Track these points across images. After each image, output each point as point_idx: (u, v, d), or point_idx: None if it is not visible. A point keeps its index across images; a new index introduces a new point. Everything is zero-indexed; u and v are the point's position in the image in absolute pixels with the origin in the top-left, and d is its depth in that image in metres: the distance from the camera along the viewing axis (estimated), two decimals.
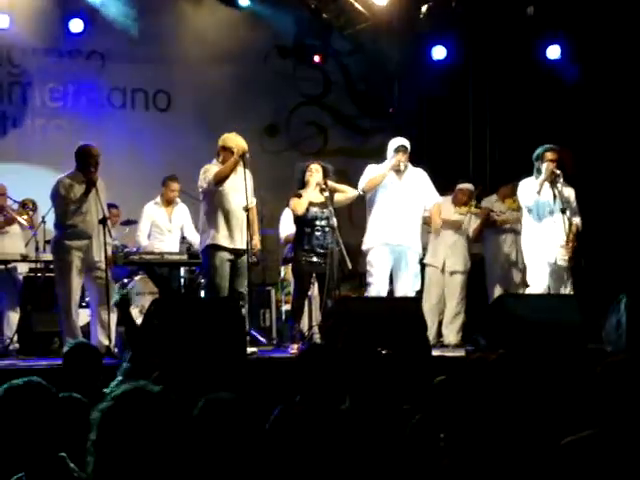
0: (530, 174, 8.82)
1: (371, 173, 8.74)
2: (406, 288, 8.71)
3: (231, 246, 8.16)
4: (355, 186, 8.73)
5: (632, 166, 10.97)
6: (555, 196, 8.60)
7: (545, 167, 8.57)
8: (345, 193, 8.59)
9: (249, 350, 7.96)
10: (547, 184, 8.57)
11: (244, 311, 8.13)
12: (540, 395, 3.99)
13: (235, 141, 8.21)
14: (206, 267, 8.32)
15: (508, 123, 12.14)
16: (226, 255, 8.16)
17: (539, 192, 8.54)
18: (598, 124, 11.26)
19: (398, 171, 8.71)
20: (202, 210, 8.33)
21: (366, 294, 8.83)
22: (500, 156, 12.19)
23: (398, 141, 8.78)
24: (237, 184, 8.17)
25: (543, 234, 8.64)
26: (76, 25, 11.22)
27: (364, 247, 8.82)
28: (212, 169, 8.19)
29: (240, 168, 8.14)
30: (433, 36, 12.04)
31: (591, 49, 11.28)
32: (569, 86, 11.37)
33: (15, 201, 9.38)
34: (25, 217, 9.29)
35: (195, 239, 9.95)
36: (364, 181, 8.72)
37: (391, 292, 8.79)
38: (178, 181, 10.07)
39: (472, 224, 10.16)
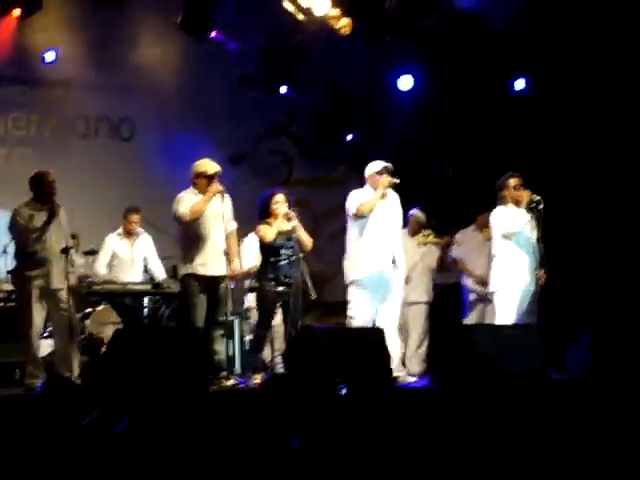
0: (492, 204, 8.93)
1: (361, 197, 8.61)
2: (394, 312, 8.60)
3: (208, 274, 8.12)
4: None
5: (596, 192, 11.10)
6: (532, 223, 8.70)
7: (523, 194, 8.68)
8: (305, 245, 8.51)
9: (230, 382, 7.95)
10: (523, 211, 8.66)
11: (223, 340, 8.13)
12: (497, 427, 4.00)
13: (206, 167, 8.22)
14: (182, 296, 8.28)
15: (470, 155, 12.22)
16: (203, 284, 8.11)
17: (524, 218, 8.65)
18: (559, 149, 11.40)
19: (383, 194, 8.63)
20: (178, 238, 8.31)
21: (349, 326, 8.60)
22: (462, 186, 12.26)
23: (379, 164, 8.66)
24: (212, 211, 8.15)
25: (518, 260, 8.71)
26: (49, 55, 11.20)
27: (353, 276, 8.58)
28: (186, 199, 8.15)
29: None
30: (398, 66, 12.12)
31: (556, 79, 11.42)
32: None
33: None
34: None
35: (158, 271, 9.92)
36: (356, 206, 8.55)
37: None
38: (139, 212, 10.04)
39: (434, 254, 10.17)
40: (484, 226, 10.13)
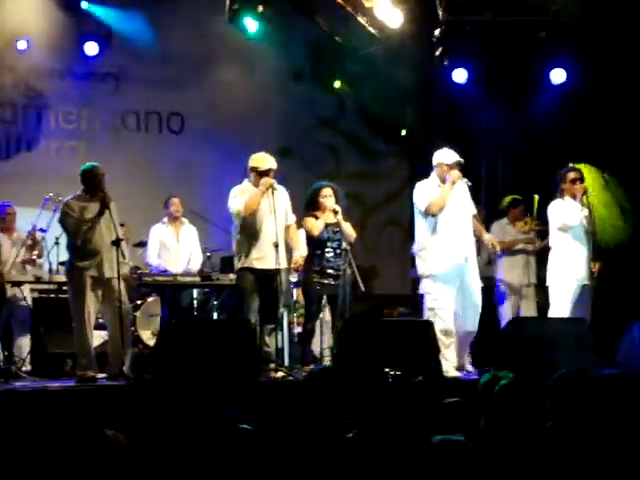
0: (544, 196, 8.88)
1: (430, 193, 8.37)
2: (475, 298, 8.44)
3: (263, 267, 8.17)
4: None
5: None
6: (587, 216, 8.65)
7: (578, 187, 8.65)
8: (349, 237, 8.51)
9: (280, 374, 7.98)
10: (579, 204, 8.63)
11: (273, 332, 8.19)
12: (549, 419, 3.97)
13: (259, 162, 8.23)
14: (236, 290, 8.34)
15: (520, 146, 12.15)
16: (258, 277, 8.17)
17: (581, 211, 8.59)
18: (610, 142, 11.29)
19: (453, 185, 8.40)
20: (233, 232, 8.35)
21: (435, 319, 8.31)
22: (512, 179, 12.19)
23: (452, 156, 8.42)
24: (267, 205, 8.20)
25: (575, 253, 8.66)
26: (91, 48, 11.35)
27: (428, 271, 8.39)
28: (240, 194, 8.19)
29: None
30: (448, 58, 12.07)
31: (600, 70, 11.31)
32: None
33: (29, 232, 9.37)
34: (36, 252, 9.31)
35: (196, 261, 9.96)
36: (426, 202, 8.31)
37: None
38: (179, 198, 10.09)
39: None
40: (517, 219, 10.15)
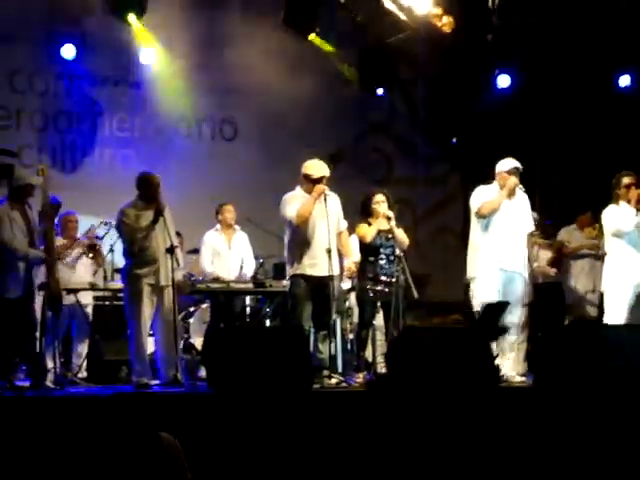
0: (600, 203, 8.81)
1: (486, 196, 8.47)
2: (515, 311, 8.40)
3: (315, 274, 8.18)
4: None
5: None
6: None
7: (632, 193, 8.55)
8: (402, 243, 8.50)
9: (333, 381, 7.98)
10: (635, 210, 8.54)
11: (326, 339, 8.18)
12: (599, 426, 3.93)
13: (313, 169, 8.24)
14: (289, 296, 8.36)
15: (575, 152, 12.05)
16: (311, 284, 8.17)
17: (635, 216, 8.51)
18: None
19: (510, 194, 8.52)
20: (286, 239, 8.37)
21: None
22: (566, 186, 12.10)
23: (511, 163, 8.51)
24: (319, 211, 8.20)
25: (630, 259, 8.58)
26: (145, 56, 11.44)
27: (473, 273, 8.47)
28: (292, 201, 8.21)
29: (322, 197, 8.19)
30: (499, 64, 12.02)
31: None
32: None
33: (87, 238, 9.46)
34: (91, 256, 9.39)
35: (249, 268, 9.96)
36: (479, 204, 8.41)
37: None
38: (232, 205, 10.10)
39: (541, 255, 10.15)
40: (585, 225, 10.13)
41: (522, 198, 8.58)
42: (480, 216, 8.41)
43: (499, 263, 8.34)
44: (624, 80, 11.63)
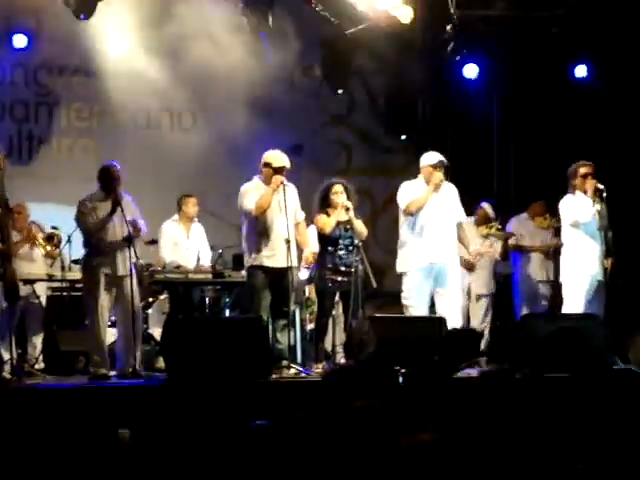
0: (557, 192, 8.87)
1: (412, 192, 8.62)
2: (453, 303, 8.61)
3: (273, 265, 8.16)
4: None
5: None
6: (599, 212, 8.61)
7: (588, 183, 8.58)
8: (360, 234, 8.51)
9: (292, 371, 7.98)
10: (591, 200, 8.58)
11: (285, 330, 8.19)
12: (561, 416, 3.96)
13: (273, 159, 8.25)
14: (247, 287, 8.34)
15: (532, 142, 12.12)
16: (269, 275, 8.16)
17: (592, 206, 8.57)
18: (624, 138, 11.24)
19: (436, 187, 8.64)
20: (244, 229, 8.36)
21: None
22: (524, 175, 12.17)
23: (436, 157, 8.65)
24: (278, 203, 8.19)
25: (587, 249, 8.65)
26: (111, 46, 11.31)
27: (402, 269, 8.66)
28: (250, 192, 8.20)
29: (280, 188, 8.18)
30: (458, 54, 12.05)
31: (618, 66, 11.26)
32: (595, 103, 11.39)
33: (42, 231, 9.42)
34: (49, 249, 9.35)
35: (205, 259, 9.94)
36: (407, 201, 8.59)
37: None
38: (195, 198, 10.08)
39: (496, 246, 10.21)
40: (537, 214, 10.18)
41: (449, 188, 8.74)
42: (408, 213, 8.58)
43: (428, 258, 8.47)
44: (580, 70, 11.69)
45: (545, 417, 3.93)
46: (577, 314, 8.45)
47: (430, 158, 8.67)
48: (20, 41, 11.07)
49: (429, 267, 8.52)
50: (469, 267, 9.71)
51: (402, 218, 8.70)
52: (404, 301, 8.62)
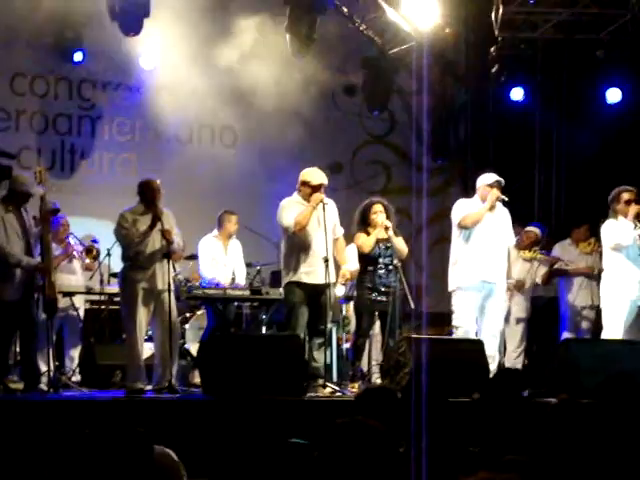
0: (599, 217, 8.80)
1: (468, 209, 8.53)
2: (496, 325, 8.53)
3: (311, 282, 8.16)
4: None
5: None
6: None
7: (632, 208, 8.53)
8: (401, 253, 8.50)
9: (328, 390, 7.94)
10: (633, 225, 8.53)
11: (322, 348, 8.15)
12: (600, 446, 3.89)
13: (311, 176, 8.23)
14: (285, 304, 8.34)
15: (574, 167, 12.06)
16: (306, 292, 8.15)
17: (634, 230, 8.50)
18: None
19: (492, 207, 8.59)
20: (282, 246, 8.35)
21: (454, 335, 8.54)
22: (566, 199, 12.10)
23: (493, 177, 8.58)
24: (317, 219, 8.19)
25: (628, 274, 8.55)
26: (146, 61, 11.43)
27: (454, 285, 8.52)
28: (289, 208, 8.18)
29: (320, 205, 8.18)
30: (501, 76, 12.02)
31: None
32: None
33: (82, 243, 9.50)
34: (87, 261, 9.42)
35: (241, 276, 9.93)
36: (461, 217, 8.48)
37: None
38: (237, 215, 10.08)
39: (539, 270, 10.15)
40: (580, 240, 10.11)
41: (503, 212, 8.66)
42: (463, 227, 8.48)
43: (480, 275, 8.39)
44: (614, 95, 11.63)
45: (577, 444, 3.87)
46: (617, 340, 8.36)
47: (487, 178, 8.63)
48: (76, 56, 11.20)
49: (481, 285, 8.42)
50: (518, 288, 9.71)
51: (456, 233, 8.58)
52: (454, 321, 8.48)
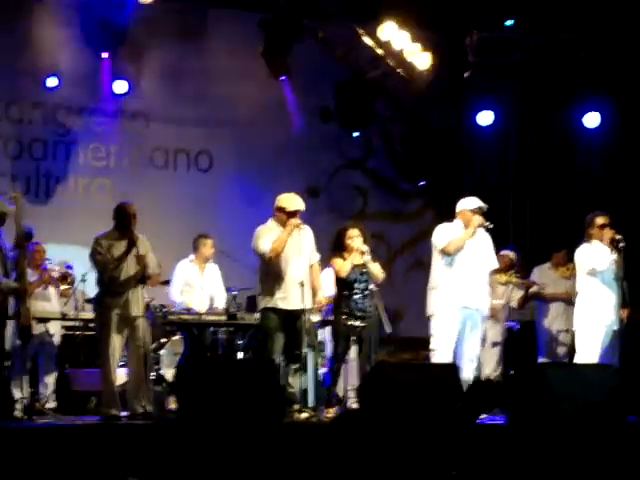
0: (573, 241, 8.84)
1: (450, 234, 8.44)
2: (473, 350, 8.47)
3: (287, 308, 8.14)
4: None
5: None
6: (616, 261, 8.55)
7: (606, 233, 8.57)
8: (377, 278, 8.51)
9: (304, 416, 7.93)
10: (608, 249, 8.56)
11: (298, 373, 8.18)
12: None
13: (287, 203, 8.23)
14: (261, 329, 8.32)
15: (548, 191, 12.13)
16: (282, 317, 8.13)
17: (609, 256, 8.53)
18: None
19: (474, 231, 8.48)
20: (258, 271, 8.34)
21: (431, 360, 8.46)
22: (540, 223, 12.16)
23: (475, 202, 8.51)
24: (291, 245, 8.19)
25: (603, 299, 8.57)
26: (121, 86, 11.47)
27: (433, 310, 8.43)
28: (265, 233, 8.18)
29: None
30: (475, 101, 12.11)
31: (632, 115, 11.30)
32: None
33: (57, 270, 9.46)
34: (62, 288, 9.38)
35: (219, 301, 9.90)
36: (444, 243, 8.37)
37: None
38: (212, 239, 10.05)
39: (514, 293, 10.20)
40: (559, 264, 10.16)
41: (484, 236, 8.60)
42: (446, 254, 8.40)
43: (461, 301, 8.35)
44: (592, 119, 11.74)
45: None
46: (592, 364, 8.37)
47: (469, 203, 8.54)
48: (50, 82, 11.19)
49: (462, 310, 8.37)
50: (492, 314, 9.71)
51: (437, 258, 8.49)
52: (432, 344, 8.40)
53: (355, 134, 12.48)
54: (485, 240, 8.63)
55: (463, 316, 8.37)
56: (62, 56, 11.10)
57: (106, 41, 10.85)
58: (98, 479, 3.83)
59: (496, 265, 8.81)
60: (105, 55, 11.12)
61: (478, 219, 8.44)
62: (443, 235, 8.48)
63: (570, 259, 9.92)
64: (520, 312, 10.41)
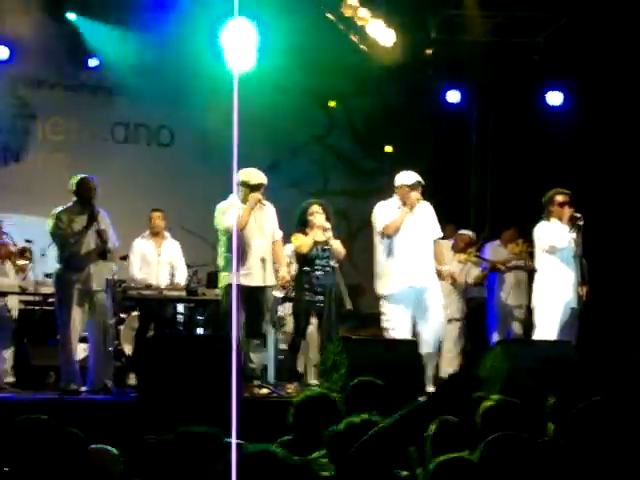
0: (529, 219, 8.87)
1: (388, 214, 8.44)
2: (434, 322, 8.46)
3: (250, 284, 8.12)
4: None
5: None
6: (575, 240, 8.60)
7: (565, 211, 8.60)
8: (338, 254, 8.51)
9: (264, 391, 7.93)
10: (567, 227, 8.59)
11: (258, 351, 8.19)
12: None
13: (249, 177, 8.20)
14: (222, 305, 8.30)
15: (510, 169, 12.17)
16: (244, 293, 8.10)
17: (568, 234, 8.56)
18: (602, 169, 11.30)
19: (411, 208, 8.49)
20: (220, 247, 8.30)
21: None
22: (501, 201, 12.21)
23: (412, 176, 8.46)
24: (255, 222, 8.17)
25: (562, 276, 8.63)
26: (80, 60, 11.35)
27: (383, 291, 8.47)
28: (228, 210, 8.14)
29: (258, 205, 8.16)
30: (436, 79, 12.12)
31: (594, 96, 11.35)
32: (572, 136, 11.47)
33: (14, 244, 9.36)
34: (20, 263, 9.29)
35: (180, 276, 9.85)
36: (383, 223, 8.39)
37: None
38: (161, 211, 9.94)
39: (472, 270, 10.24)
40: (508, 241, 10.21)
41: (424, 206, 8.55)
42: (386, 236, 8.41)
43: (407, 282, 8.36)
44: (555, 97, 11.80)
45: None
46: (550, 341, 8.44)
47: (406, 178, 8.50)
48: (2, 53, 11.02)
49: (409, 290, 8.38)
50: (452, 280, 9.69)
51: (378, 240, 8.52)
52: (384, 324, 8.46)
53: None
54: (426, 211, 8.58)
55: (412, 295, 8.37)
56: (22, 26, 10.95)
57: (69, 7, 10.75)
58: (57, 454, 3.80)
59: (440, 234, 8.72)
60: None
61: (415, 195, 8.40)
62: (381, 216, 8.46)
63: (520, 235, 9.99)
64: (479, 289, 10.46)
